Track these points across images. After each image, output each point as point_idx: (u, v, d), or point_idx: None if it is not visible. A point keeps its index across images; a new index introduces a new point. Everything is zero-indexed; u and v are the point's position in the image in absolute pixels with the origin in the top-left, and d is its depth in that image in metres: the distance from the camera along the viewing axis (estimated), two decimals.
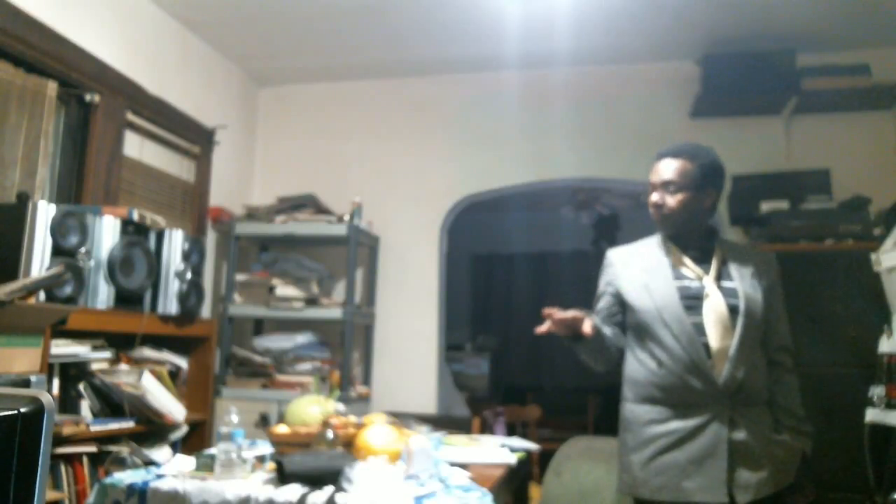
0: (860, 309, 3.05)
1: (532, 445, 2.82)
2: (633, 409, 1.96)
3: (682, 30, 3.53)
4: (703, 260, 1.97)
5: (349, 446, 2.12)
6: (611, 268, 2.10)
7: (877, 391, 2.45)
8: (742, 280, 1.93)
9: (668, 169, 1.98)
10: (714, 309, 1.88)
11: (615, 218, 6.27)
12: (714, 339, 1.86)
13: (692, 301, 1.90)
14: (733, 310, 1.88)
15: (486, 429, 3.79)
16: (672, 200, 1.96)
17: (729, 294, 1.90)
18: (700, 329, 1.87)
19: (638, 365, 1.96)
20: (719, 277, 1.94)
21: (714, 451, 1.82)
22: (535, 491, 3.15)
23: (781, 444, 1.88)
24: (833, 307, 3.18)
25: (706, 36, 3.57)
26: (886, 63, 3.54)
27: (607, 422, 5.62)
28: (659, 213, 1.99)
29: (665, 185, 1.97)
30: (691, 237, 2.01)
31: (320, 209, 3.89)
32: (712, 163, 1.99)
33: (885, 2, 3.23)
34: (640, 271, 2.00)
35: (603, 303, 2.10)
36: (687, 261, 1.97)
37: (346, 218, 3.74)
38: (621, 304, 2.05)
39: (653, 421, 1.90)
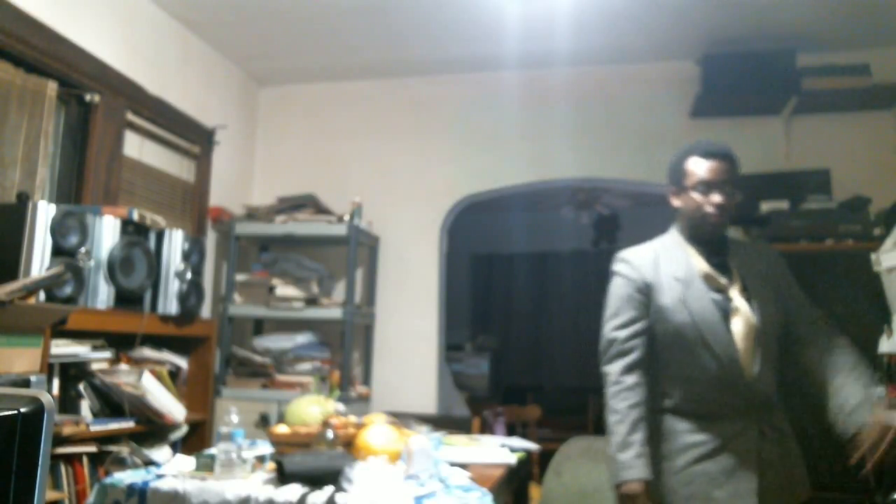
0: (860, 309, 3.05)
1: (532, 445, 2.82)
2: (668, 419, 1.91)
3: (682, 30, 3.53)
4: (723, 267, 1.93)
5: (349, 446, 2.12)
6: (637, 273, 1.94)
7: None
8: (755, 290, 1.90)
9: (726, 169, 1.91)
10: (743, 322, 1.85)
11: (615, 218, 6.28)
12: (744, 352, 1.84)
13: (725, 314, 1.86)
14: (757, 326, 1.86)
15: (486, 429, 3.80)
16: (732, 203, 1.92)
17: (753, 307, 1.87)
18: (732, 343, 1.84)
19: (672, 378, 1.91)
20: (744, 288, 1.90)
21: (745, 461, 1.82)
22: (535, 491, 3.15)
23: (797, 454, 1.91)
24: (833, 307, 3.17)
25: (706, 36, 3.57)
26: (886, 63, 3.54)
27: None
28: (724, 214, 1.90)
29: (723, 186, 1.90)
30: (720, 241, 1.96)
31: (320, 209, 3.89)
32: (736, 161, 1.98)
33: (885, 2, 3.23)
34: (672, 280, 1.90)
35: (641, 327, 1.90)
36: (712, 271, 1.91)
37: (346, 218, 3.74)
38: (650, 319, 1.92)
39: (685, 431, 1.88)
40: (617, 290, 1.98)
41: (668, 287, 1.90)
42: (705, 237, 1.94)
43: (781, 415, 1.94)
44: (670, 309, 1.88)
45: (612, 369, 1.90)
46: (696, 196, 1.91)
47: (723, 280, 1.90)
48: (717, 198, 1.89)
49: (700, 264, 1.92)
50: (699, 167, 1.91)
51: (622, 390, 1.86)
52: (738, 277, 1.91)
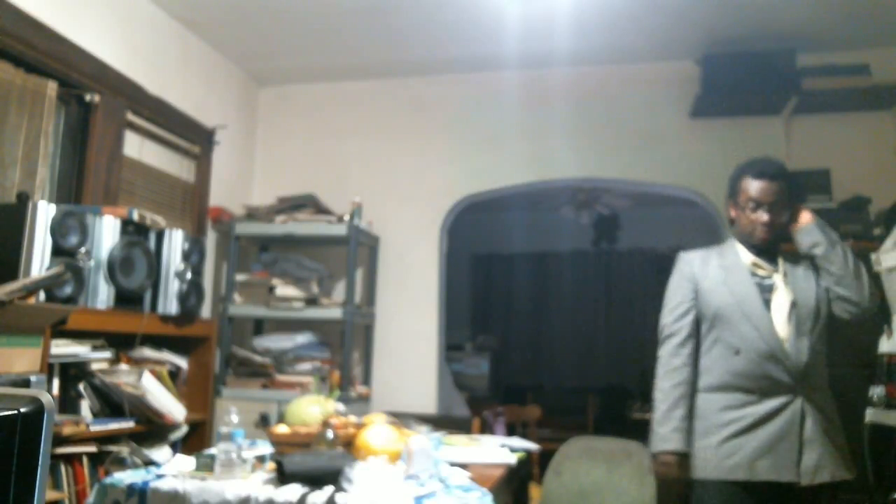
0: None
1: (532, 445, 2.82)
2: (706, 398, 2.05)
3: (682, 30, 3.53)
4: (772, 261, 2.11)
5: (349, 446, 2.12)
6: (688, 266, 2.16)
7: (877, 391, 2.45)
8: (795, 277, 2.06)
9: (775, 190, 2.06)
10: (781, 301, 2.02)
11: (615, 218, 6.28)
12: (781, 328, 1.99)
13: (766, 294, 2.04)
14: (794, 303, 2.02)
15: (486, 429, 3.79)
16: (779, 221, 2.07)
17: (793, 289, 2.04)
18: (769, 316, 2.01)
19: (715, 356, 2.06)
20: (785, 274, 2.08)
21: (787, 434, 1.94)
22: (535, 491, 3.15)
23: (840, 437, 2.00)
24: None
25: (706, 36, 3.57)
26: (886, 63, 3.54)
27: (607, 422, 5.64)
28: (770, 231, 2.06)
29: (772, 206, 2.05)
30: (771, 247, 2.11)
31: (320, 209, 3.89)
32: (792, 177, 2.13)
33: (885, 2, 3.23)
34: (717, 268, 2.11)
35: (685, 308, 2.12)
36: (759, 260, 2.09)
37: (346, 218, 3.74)
38: (696, 304, 2.11)
39: (727, 407, 2.01)
40: (670, 284, 2.19)
41: (713, 273, 2.11)
42: (755, 247, 2.11)
43: (827, 398, 2.04)
44: (712, 290, 2.08)
45: (663, 352, 2.12)
46: (746, 213, 2.09)
47: (768, 267, 2.07)
48: (764, 217, 2.06)
49: (748, 256, 2.11)
50: (751, 186, 2.08)
51: (668, 371, 2.08)
52: (783, 266, 2.08)
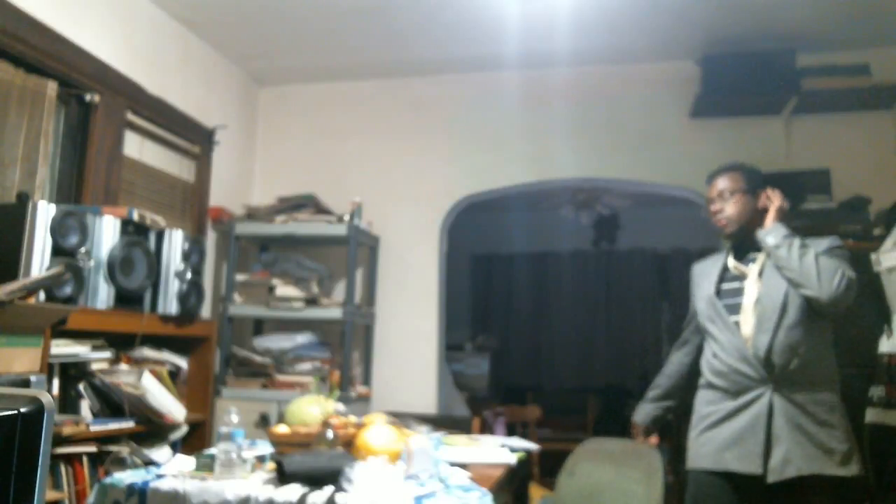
0: (860, 309, 3.04)
1: (532, 445, 2.82)
2: (699, 395, 2.26)
3: (682, 30, 3.53)
4: (753, 262, 2.21)
5: (349, 446, 2.12)
6: (691, 278, 2.41)
7: (877, 391, 2.45)
8: (769, 275, 2.12)
9: (723, 183, 2.24)
10: (749, 301, 2.13)
11: (615, 218, 6.28)
12: (747, 326, 2.09)
13: (739, 296, 2.16)
14: (757, 300, 2.11)
15: (486, 429, 3.80)
16: (733, 208, 2.20)
17: (763, 287, 2.13)
18: (738, 320, 2.14)
19: (705, 356, 2.26)
20: (761, 273, 2.17)
21: (753, 427, 2.02)
22: (535, 491, 3.15)
23: (821, 433, 2.01)
24: None
25: (706, 36, 3.57)
26: (886, 63, 3.54)
27: (607, 422, 5.65)
28: (725, 218, 2.21)
29: (719, 197, 2.22)
30: (752, 243, 2.21)
31: (320, 209, 3.89)
32: (752, 168, 2.29)
33: (885, 2, 3.23)
34: (706, 276, 2.31)
35: (689, 317, 2.44)
36: (738, 263, 2.21)
37: (346, 218, 3.74)
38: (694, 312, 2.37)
39: (709, 402, 2.18)
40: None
41: (703, 281, 2.30)
42: (732, 241, 2.24)
43: (808, 393, 2.04)
44: (697, 296, 2.31)
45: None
46: (710, 214, 2.28)
47: (745, 268, 2.18)
48: (713, 206, 2.25)
49: (731, 261, 2.26)
50: (708, 190, 2.30)
51: (665, 365, 2.50)
52: (762, 265, 2.16)
